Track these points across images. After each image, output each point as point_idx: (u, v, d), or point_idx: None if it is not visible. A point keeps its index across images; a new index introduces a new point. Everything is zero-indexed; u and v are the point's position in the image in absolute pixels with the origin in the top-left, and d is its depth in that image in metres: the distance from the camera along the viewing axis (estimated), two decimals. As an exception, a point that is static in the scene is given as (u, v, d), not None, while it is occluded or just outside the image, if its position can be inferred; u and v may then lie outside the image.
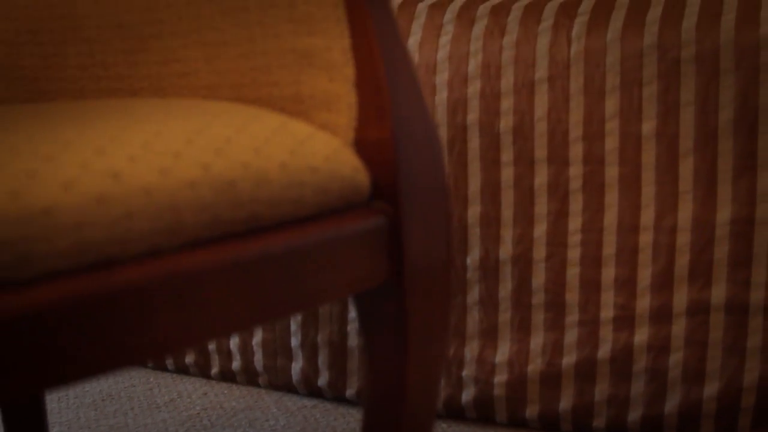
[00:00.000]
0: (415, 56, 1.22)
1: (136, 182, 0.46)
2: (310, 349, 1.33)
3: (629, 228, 1.14)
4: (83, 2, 0.76)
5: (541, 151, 1.16)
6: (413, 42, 1.23)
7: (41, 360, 0.42)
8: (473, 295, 1.23)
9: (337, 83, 0.61)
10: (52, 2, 0.78)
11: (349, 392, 1.32)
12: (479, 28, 1.20)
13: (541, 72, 1.16)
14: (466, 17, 1.22)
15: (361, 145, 0.60)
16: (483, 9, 1.22)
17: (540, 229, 1.18)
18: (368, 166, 0.59)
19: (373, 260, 0.58)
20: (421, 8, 1.26)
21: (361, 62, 0.60)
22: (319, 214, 0.56)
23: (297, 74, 0.62)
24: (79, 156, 0.45)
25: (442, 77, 1.20)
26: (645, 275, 1.14)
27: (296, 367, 1.35)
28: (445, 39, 1.21)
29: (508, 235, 1.19)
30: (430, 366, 0.64)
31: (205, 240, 0.49)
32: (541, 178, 1.17)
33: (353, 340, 1.30)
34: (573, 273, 1.17)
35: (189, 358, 1.46)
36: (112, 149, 0.47)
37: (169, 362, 1.48)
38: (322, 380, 1.33)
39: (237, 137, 0.52)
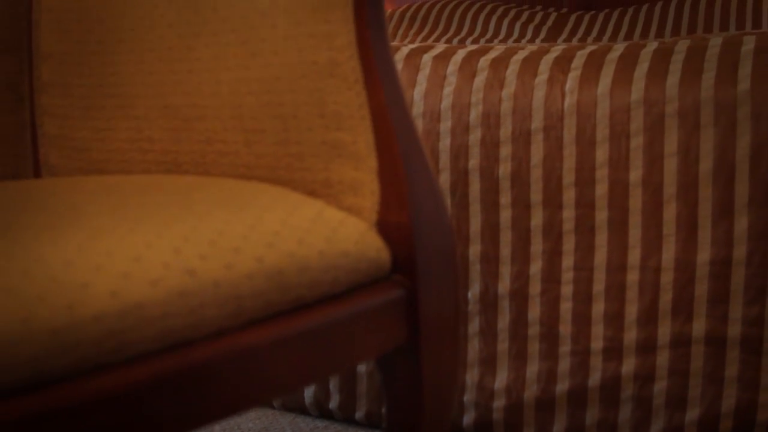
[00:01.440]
0: (420, 105, 1.33)
1: (208, 277, 0.57)
2: (321, 374, 1.44)
3: (617, 267, 1.25)
4: (133, 83, 0.87)
5: (536, 196, 1.28)
6: (419, 92, 1.34)
7: (135, 425, 0.53)
8: (474, 326, 1.34)
9: (362, 172, 0.72)
10: (104, 82, 0.89)
11: (358, 414, 1.43)
12: (480, 81, 1.31)
13: (537, 122, 1.27)
14: (468, 69, 1.33)
15: (383, 227, 0.71)
16: (483, 62, 1.33)
17: (535, 267, 1.29)
18: (389, 244, 0.71)
19: (394, 326, 0.69)
20: (426, 59, 1.37)
21: (382, 155, 0.71)
22: (349, 289, 0.67)
23: (327, 162, 0.73)
24: (161, 256, 0.56)
25: (445, 125, 1.32)
26: (632, 310, 1.25)
27: (309, 390, 1.46)
28: (448, 90, 1.33)
29: (506, 271, 1.30)
30: (442, 410, 0.75)
31: (259, 320, 0.60)
32: (537, 220, 1.28)
33: (362, 366, 1.41)
34: (566, 307, 1.28)
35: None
36: (186, 249, 0.58)
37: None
38: (333, 403, 1.44)
39: (283, 230, 0.63)
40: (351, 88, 0.72)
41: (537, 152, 1.27)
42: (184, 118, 0.84)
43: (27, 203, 0.67)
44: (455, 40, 2.64)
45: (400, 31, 2.79)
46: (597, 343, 1.27)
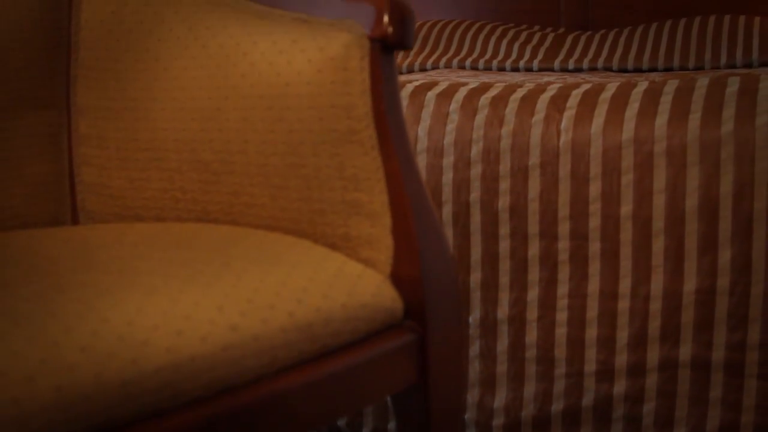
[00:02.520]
0: (425, 141, 1.43)
1: (248, 332, 0.66)
2: (329, 393, 1.54)
3: (609, 295, 1.34)
4: (166, 139, 0.96)
5: (533, 227, 1.37)
6: (423, 128, 1.43)
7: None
8: (474, 348, 1.43)
9: (377, 229, 0.81)
10: (138, 136, 0.98)
11: (365, 430, 1.52)
12: (481, 118, 1.41)
13: (534, 159, 1.36)
14: (469, 107, 1.42)
15: (396, 278, 0.80)
16: (484, 100, 1.43)
17: (533, 294, 1.38)
18: (401, 294, 0.80)
19: (406, 367, 0.79)
20: (430, 97, 1.46)
21: (396, 214, 0.81)
22: (367, 336, 0.77)
23: (346, 219, 0.83)
24: (208, 314, 0.66)
25: (448, 160, 1.41)
26: (623, 335, 1.34)
27: (317, 408, 1.55)
28: (450, 126, 1.42)
29: (505, 298, 1.40)
30: (446, 439, 0.85)
31: (290, 367, 0.70)
32: (534, 250, 1.37)
33: (368, 386, 1.50)
34: (561, 332, 1.38)
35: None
36: (228, 306, 0.67)
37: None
38: (341, 420, 1.53)
39: (310, 286, 0.73)
40: (368, 154, 0.81)
41: (534, 187, 1.36)
42: (214, 172, 0.93)
43: (81, 259, 0.76)
44: (455, 61, 2.73)
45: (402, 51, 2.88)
46: (590, 366, 1.36)
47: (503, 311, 1.40)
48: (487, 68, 2.68)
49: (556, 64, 2.62)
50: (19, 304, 0.64)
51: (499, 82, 1.84)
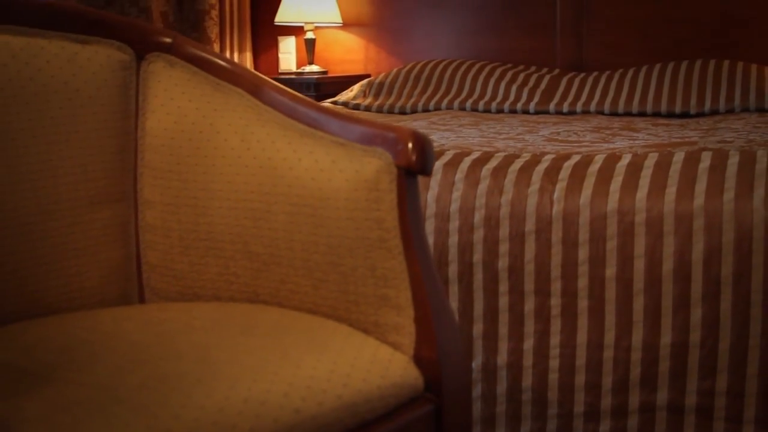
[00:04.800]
0: (433, 207, 1.64)
1: (308, 413, 0.87)
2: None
3: (596, 346, 1.56)
4: (222, 232, 1.17)
5: (529, 286, 1.58)
6: (431, 195, 1.65)
7: None
8: (477, 390, 1.65)
9: (402, 318, 1.03)
10: (197, 228, 1.19)
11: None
12: (483, 188, 1.62)
13: (530, 225, 1.58)
14: (473, 177, 1.64)
15: (418, 359, 1.02)
16: (485, 171, 1.64)
17: (528, 344, 1.60)
18: (422, 372, 1.01)
19: (426, 430, 1.00)
20: (438, 166, 1.67)
21: (418, 307, 1.02)
22: (395, 408, 0.98)
23: (377, 309, 1.04)
24: (277, 399, 0.87)
25: (454, 225, 1.62)
26: (607, 381, 1.56)
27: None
28: (456, 194, 1.63)
29: (503, 347, 1.61)
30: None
31: (337, 438, 0.91)
32: (530, 305, 1.59)
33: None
34: (553, 378, 1.59)
35: None
36: (291, 392, 0.88)
37: None
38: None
39: (353, 372, 0.94)
40: (395, 258, 1.02)
41: (530, 250, 1.58)
42: (264, 262, 1.14)
43: (166, 346, 0.97)
44: (456, 102, 2.95)
45: (406, 90, 3.10)
46: (579, 408, 1.58)
47: (502, 358, 1.61)
48: (487, 110, 2.89)
49: (552, 107, 2.84)
50: (132, 395, 0.85)
51: (498, 138, 2.06)
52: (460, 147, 1.84)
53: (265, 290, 1.15)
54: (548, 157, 1.69)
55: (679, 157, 1.62)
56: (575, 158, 1.67)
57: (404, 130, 1.02)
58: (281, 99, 1.16)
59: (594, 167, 1.61)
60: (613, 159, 1.64)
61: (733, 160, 1.59)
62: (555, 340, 1.58)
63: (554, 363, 1.58)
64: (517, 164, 1.66)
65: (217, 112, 1.20)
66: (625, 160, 1.63)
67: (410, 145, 1.01)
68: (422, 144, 1.01)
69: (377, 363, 0.97)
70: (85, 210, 1.20)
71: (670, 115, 2.73)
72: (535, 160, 1.68)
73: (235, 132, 1.18)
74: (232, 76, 1.20)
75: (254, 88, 1.19)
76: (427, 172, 1.02)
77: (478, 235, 1.61)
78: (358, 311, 1.06)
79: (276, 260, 1.13)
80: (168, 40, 1.25)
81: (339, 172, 1.06)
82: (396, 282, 1.03)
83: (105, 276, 1.21)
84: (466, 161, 1.68)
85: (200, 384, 0.87)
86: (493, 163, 1.67)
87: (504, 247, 1.59)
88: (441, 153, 1.73)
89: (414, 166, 1.01)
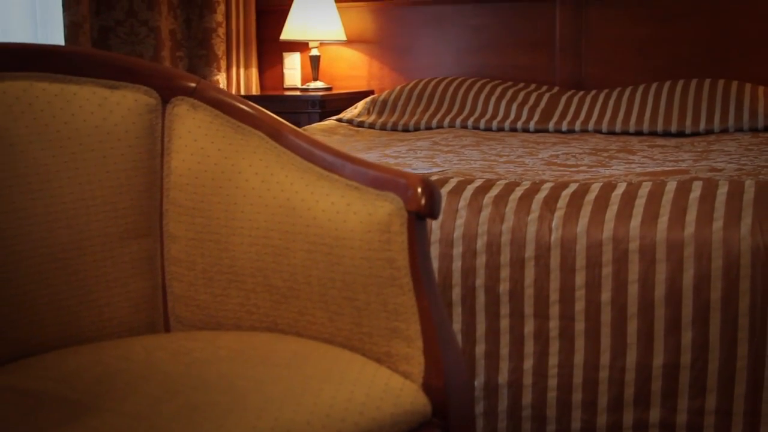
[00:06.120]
0: (438, 233, 1.74)
1: (328, 441, 0.97)
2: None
3: (592, 366, 1.66)
4: (243, 266, 1.27)
5: (529, 309, 1.68)
6: (436, 222, 1.74)
7: None
8: (479, 408, 1.74)
9: (412, 349, 1.12)
10: (220, 262, 1.29)
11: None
12: (485, 215, 1.72)
13: (530, 252, 1.68)
14: (475, 205, 1.74)
15: (426, 387, 1.11)
16: (487, 199, 1.74)
17: (528, 364, 1.70)
18: (430, 398, 1.11)
19: (434, 455, 1.10)
20: (442, 194, 1.77)
21: (426, 339, 1.12)
22: (406, 433, 1.08)
23: (389, 341, 1.14)
24: (301, 428, 0.96)
25: (457, 250, 1.72)
26: (603, 400, 1.66)
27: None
28: (459, 221, 1.73)
29: (504, 366, 1.71)
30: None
31: (355, 461, 1.01)
32: (529, 327, 1.69)
33: None
34: (552, 396, 1.69)
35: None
36: (314, 421, 0.98)
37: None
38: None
39: (367, 401, 1.04)
40: (405, 294, 1.12)
41: (529, 275, 1.68)
42: (283, 295, 1.24)
43: (196, 377, 1.07)
44: (458, 120, 3.04)
45: (409, 108, 3.20)
46: (576, 424, 1.67)
47: (503, 377, 1.71)
48: (488, 128, 2.99)
49: (551, 125, 2.94)
50: (168, 424, 0.95)
51: (499, 162, 2.16)
52: (462, 174, 1.93)
53: (284, 320, 1.25)
54: (547, 185, 1.79)
55: (671, 186, 1.72)
56: (573, 187, 1.76)
57: (414, 177, 1.12)
58: (299, 143, 1.26)
59: (590, 196, 1.71)
60: (608, 188, 1.74)
61: (722, 190, 1.68)
62: (553, 360, 1.68)
63: (552, 382, 1.68)
64: (518, 192, 1.75)
65: (239, 153, 1.30)
66: (620, 189, 1.73)
67: (419, 191, 1.11)
68: (430, 190, 1.11)
69: (390, 391, 1.07)
70: (115, 244, 1.30)
71: (666, 133, 2.83)
72: (535, 188, 1.78)
73: (255, 173, 1.28)
74: (253, 120, 1.30)
75: (273, 132, 1.29)
76: (434, 216, 1.12)
77: (481, 260, 1.71)
78: (371, 342, 1.16)
79: (294, 293, 1.23)
80: (192, 84, 1.34)
81: (353, 214, 1.16)
82: (406, 316, 1.13)
83: (134, 306, 1.31)
84: (469, 189, 1.78)
85: (230, 414, 0.97)
86: (494, 191, 1.76)
87: (505, 272, 1.69)
88: (445, 181, 1.83)
89: (423, 210, 1.11)
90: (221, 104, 1.33)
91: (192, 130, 1.33)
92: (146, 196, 1.33)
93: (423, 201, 1.11)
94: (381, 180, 1.15)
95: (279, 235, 1.24)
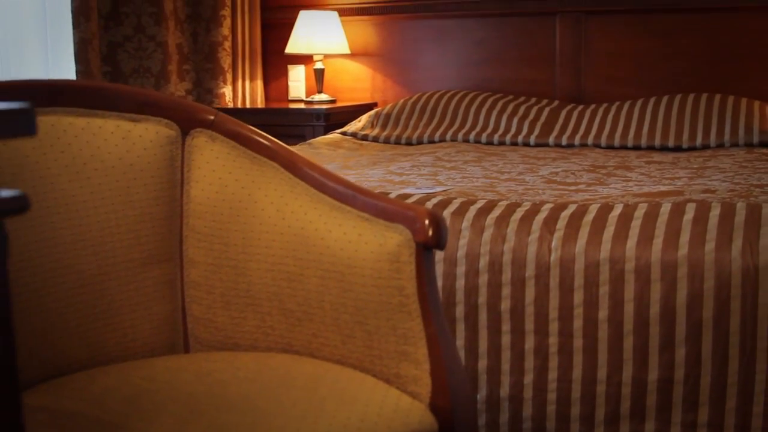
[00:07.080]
0: (442, 252, 1.82)
1: (343, 459, 1.06)
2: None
3: (589, 381, 1.74)
4: (259, 291, 1.35)
5: (529, 326, 1.77)
6: (440, 242, 1.82)
7: None
8: (481, 420, 1.83)
9: (420, 371, 1.21)
10: (237, 286, 1.37)
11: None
12: (487, 236, 1.80)
13: (530, 271, 1.76)
14: (478, 226, 1.82)
15: (433, 407, 1.20)
16: (489, 220, 1.83)
17: (528, 378, 1.78)
18: (437, 418, 1.19)
19: (440, 469, 1.18)
20: (446, 215, 1.86)
21: (433, 361, 1.20)
22: (414, 451, 1.16)
23: (398, 362, 1.22)
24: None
25: (461, 269, 1.81)
26: (600, 413, 1.74)
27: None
28: (462, 242, 1.82)
29: (506, 381, 1.80)
30: None
31: (367, 478, 1.09)
32: (530, 343, 1.77)
33: None
34: (551, 409, 1.77)
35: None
36: (329, 441, 1.06)
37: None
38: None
39: (379, 420, 1.12)
40: (413, 320, 1.21)
41: (530, 294, 1.76)
42: (297, 318, 1.32)
43: (218, 398, 1.15)
44: (460, 134, 3.13)
45: (412, 121, 3.28)
46: (575, 437, 1.76)
47: (505, 391, 1.80)
48: (489, 142, 3.08)
49: (551, 140, 3.02)
50: (197, 444, 1.03)
51: (501, 180, 2.24)
52: (465, 194, 2.02)
53: (299, 342, 1.34)
54: (547, 206, 1.87)
55: (665, 208, 1.80)
56: (571, 208, 1.85)
57: (421, 210, 1.21)
58: (312, 174, 1.34)
59: (588, 217, 1.80)
60: (605, 209, 1.83)
61: (715, 212, 1.77)
62: (553, 375, 1.76)
63: (552, 396, 1.77)
64: (519, 213, 1.84)
65: (255, 183, 1.38)
66: (617, 210, 1.82)
67: (427, 223, 1.19)
68: (437, 223, 1.20)
69: (399, 411, 1.15)
70: (138, 270, 1.38)
71: (664, 148, 2.91)
72: (535, 209, 1.86)
73: (271, 202, 1.36)
74: (268, 152, 1.39)
75: (288, 163, 1.37)
76: (441, 247, 1.20)
77: (483, 279, 1.79)
78: (381, 364, 1.24)
79: (308, 317, 1.32)
80: (210, 117, 1.43)
81: (365, 244, 1.24)
82: (414, 340, 1.21)
83: (155, 327, 1.40)
84: (472, 210, 1.86)
85: (254, 434, 1.05)
86: (496, 212, 1.85)
87: (506, 291, 1.78)
88: (449, 201, 1.92)
89: (430, 242, 1.19)
90: (238, 136, 1.41)
91: (210, 160, 1.41)
92: (167, 223, 1.41)
93: (430, 233, 1.19)
94: (390, 212, 1.24)
95: (293, 261, 1.32)
